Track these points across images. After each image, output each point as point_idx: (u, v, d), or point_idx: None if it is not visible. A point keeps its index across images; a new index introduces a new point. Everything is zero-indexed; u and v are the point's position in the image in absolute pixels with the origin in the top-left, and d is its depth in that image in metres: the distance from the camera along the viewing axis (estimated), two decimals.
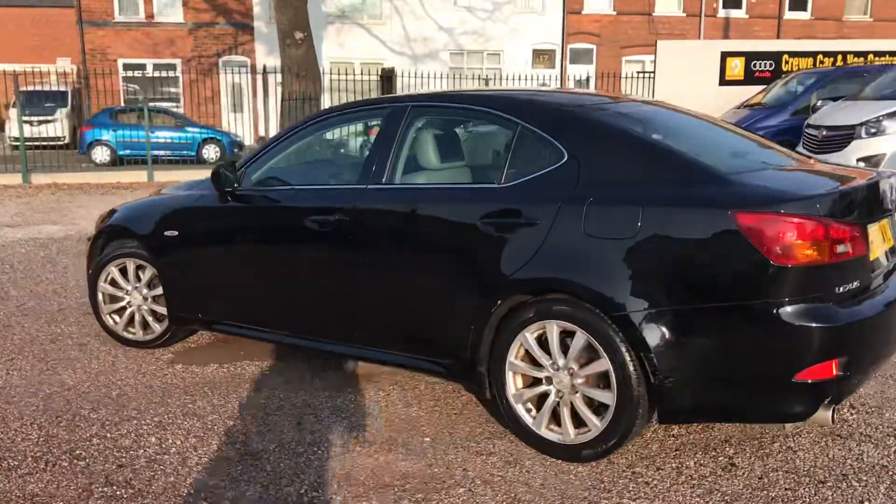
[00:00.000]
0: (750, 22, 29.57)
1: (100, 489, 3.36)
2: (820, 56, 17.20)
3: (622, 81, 23.31)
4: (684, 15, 29.29)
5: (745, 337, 3.17)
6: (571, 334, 3.48)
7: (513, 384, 3.69)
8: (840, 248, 3.15)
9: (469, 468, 3.52)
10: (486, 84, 17.39)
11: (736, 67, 16.96)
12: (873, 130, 11.09)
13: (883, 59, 17.16)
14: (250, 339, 4.87)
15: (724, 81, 16.87)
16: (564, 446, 3.55)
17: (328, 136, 4.76)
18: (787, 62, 17.10)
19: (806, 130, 12.24)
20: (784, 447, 3.67)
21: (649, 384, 3.31)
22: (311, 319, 4.40)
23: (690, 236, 3.23)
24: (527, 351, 3.63)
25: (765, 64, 17.06)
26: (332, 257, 4.20)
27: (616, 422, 3.39)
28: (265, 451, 3.73)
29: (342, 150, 5.10)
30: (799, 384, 3.14)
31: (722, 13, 29.48)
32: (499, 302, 3.63)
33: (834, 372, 3.15)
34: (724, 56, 16.95)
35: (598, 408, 3.49)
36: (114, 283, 5.26)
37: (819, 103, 13.39)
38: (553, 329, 3.52)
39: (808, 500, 3.20)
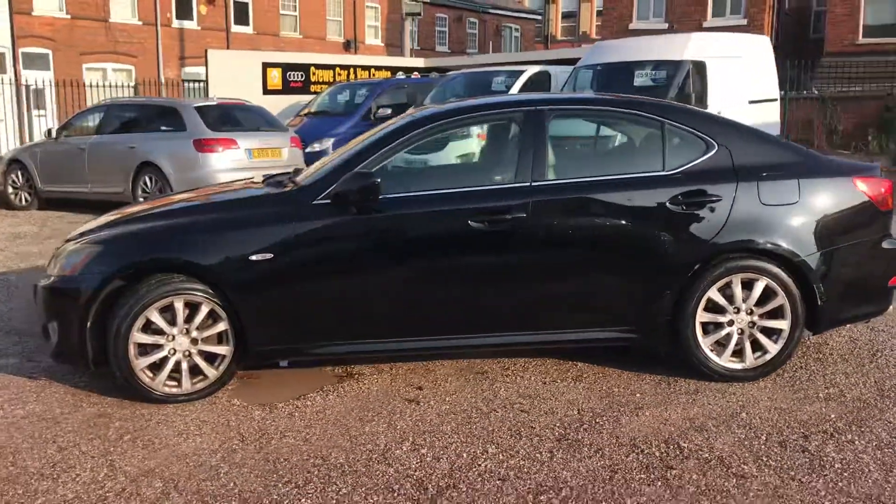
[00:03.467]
0: (202, 33, 30.45)
1: None
2: (338, 69, 19.32)
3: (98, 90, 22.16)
4: (140, 23, 28.77)
5: (867, 262, 4.68)
6: (749, 282, 4.52)
7: (700, 332, 4.55)
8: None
9: (713, 404, 4.31)
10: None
11: (275, 78, 18.02)
12: None
13: (381, 72, 20.07)
14: (358, 356, 4.62)
15: (266, 91, 17.77)
16: (748, 370, 4.59)
17: (437, 138, 4.70)
18: (314, 73, 18.80)
19: None
20: (804, 345, 5.27)
21: (811, 308, 4.57)
22: (475, 316, 4.50)
23: (831, 197, 4.60)
24: (710, 301, 4.53)
25: (298, 75, 18.48)
26: (512, 251, 4.41)
27: (789, 341, 4.58)
28: (580, 440, 3.91)
29: (463, 152, 4.97)
30: (890, 287, 4.77)
31: (176, 23, 29.76)
32: (696, 266, 4.46)
33: None
34: (265, 67, 17.87)
35: (770, 335, 4.60)
36: (152, 329, 4.30)
37: (380, 110, 15.38)
38: (737, 280, 4.51)
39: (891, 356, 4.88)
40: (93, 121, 12.01)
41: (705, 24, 26.73)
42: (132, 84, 25.97)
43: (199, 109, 10.90)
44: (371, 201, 4.33)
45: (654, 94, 12.27)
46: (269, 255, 4.31)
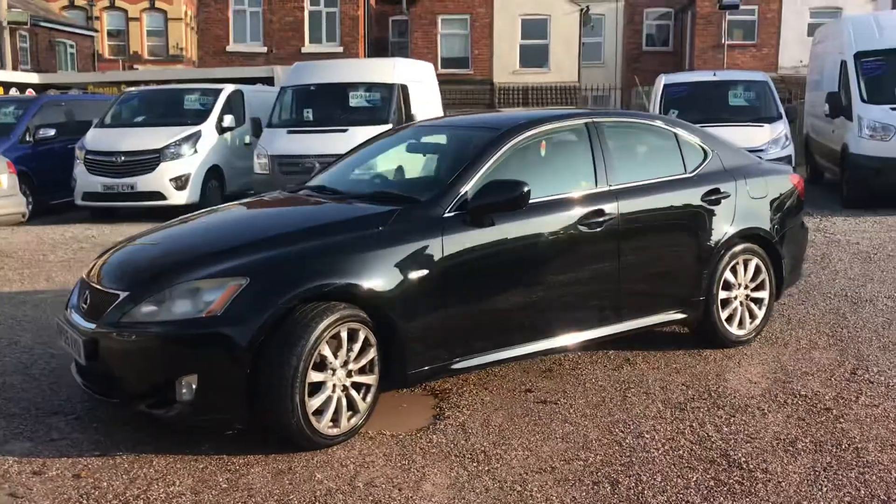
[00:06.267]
0: None
1: None
2: None
3: None
4: None
5: (797, 240, 6.01)
6: (746, 262, 5.53)
7: (720, 307, 5.42)
8: None
9: (756, 363, 5.22)
10: None
11: None
12: (174, 153, 12.69)
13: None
14: (493, 365, 4.62)
15: None
16: (747, 335, 5.58)
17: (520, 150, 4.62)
18: None
19: (89, 157, 12.68)
20: None
21: (778, 279, 5.74)
22: (584, 313, 4.82)
23: (782, 191, 5.82)
24: (725, 281, 5.43)
25: None
26: (607, 250, 4.83)
27: (769, 308, 5.70)
28: (735, 403, 4.47)
29: (539, 160, 4.76)
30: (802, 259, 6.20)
31: None
32: (721, 252, 5.32)
33: None
34: None
35: (756, 304, 5.64)
36: (320, 365, 3.79)
37: (40, 131, 13.68)
38: (741, 261, 5.49)
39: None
40: None
41: (304, 51, 27.69)
42: None
43: None
44: (521, 209, 4.36)
45: (373, 114, 12.97)
46: (424, 272, 4.11)
